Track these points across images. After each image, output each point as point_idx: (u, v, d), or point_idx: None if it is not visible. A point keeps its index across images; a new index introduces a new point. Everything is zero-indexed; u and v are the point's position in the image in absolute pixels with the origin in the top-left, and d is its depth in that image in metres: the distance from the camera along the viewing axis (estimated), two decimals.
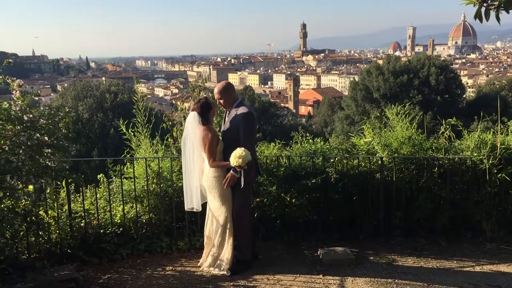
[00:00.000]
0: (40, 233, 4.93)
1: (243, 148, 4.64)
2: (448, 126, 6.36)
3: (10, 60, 4.16)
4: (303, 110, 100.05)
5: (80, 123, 38.16)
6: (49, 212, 5.16)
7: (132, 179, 5.63)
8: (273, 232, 5.78)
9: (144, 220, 5.58)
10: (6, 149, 3.62)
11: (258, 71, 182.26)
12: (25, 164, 3.73)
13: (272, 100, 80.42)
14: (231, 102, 4.97)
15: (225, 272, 4.91)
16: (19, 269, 3.70)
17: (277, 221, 5.77)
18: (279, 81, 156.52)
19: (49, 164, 4.07)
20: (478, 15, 2.94)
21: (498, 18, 2.88)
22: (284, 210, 5.76)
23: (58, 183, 4.85)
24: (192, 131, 4.84)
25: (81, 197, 5.62)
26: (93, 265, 5.13)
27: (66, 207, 5.27)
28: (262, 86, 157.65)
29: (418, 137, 6.20)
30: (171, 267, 5.11)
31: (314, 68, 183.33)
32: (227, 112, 5.06)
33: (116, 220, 5.52)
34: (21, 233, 4.83)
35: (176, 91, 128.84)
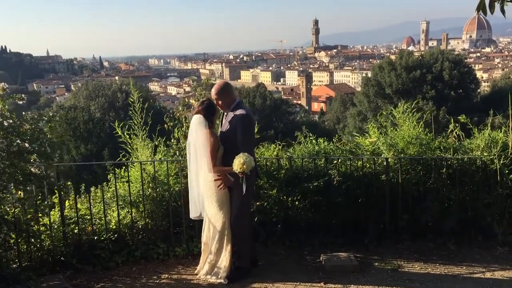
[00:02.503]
0: (32, 240, 4.78)
1: (246, 154, 4.43)
2: (457, 124, 6.10)
3: None
4: (316, 106, 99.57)
5: (91, 123, 38.30)
6: (41, 219, 5.02)
7: (131, 183, 5.48)
8: (274, 236, 5.58)
9: (140, 226, 5.41)
10: None
11: (271, 68, 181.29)
12: (5, 172, 3.58)
13: (285, 97, 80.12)
14: (229, 104, 4.76)
15: (222, 280, 4.72)
16: (4, 281, 3.55)
17: (278, 225, 5.56)
18: (292, 78, 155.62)
19: (33, 171, 3.91)
20: (481, 7, 2.71)
21: (503, 11, 2.64)
22: (286, 214, 5.55)
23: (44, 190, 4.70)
24: (196, 135, 4.63)
25: (86, 202, 5.49)
26: (87, 273, 4.97)
27: (59, 213, 5.12)
28: (275, 83, 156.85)
29: (425, 136, 5.95)
30: (167, 275, 4.94)
31: (326, 64, 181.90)
32: (225, 114, 4.87)
33: (111, 226, 5.36)
34: (12, 241, 4.69)
35: (188, 89, 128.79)
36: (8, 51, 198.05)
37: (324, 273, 4.92)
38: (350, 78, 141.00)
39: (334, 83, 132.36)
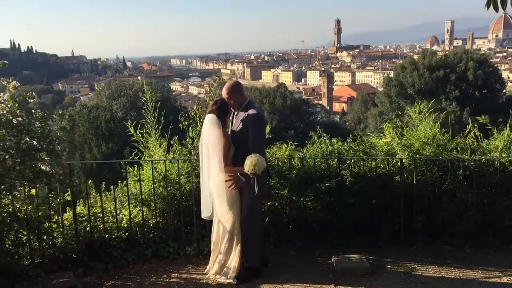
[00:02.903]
0: (44, 237, 4.82)
1: (258, 155, 4.40)
2: (475, 125, 5.96)
3: (5, 62, 4.05)
4: (337, 107, 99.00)
5: (113, 122, 38.73)
6: (54, 217, 5.08)
7: (142, 182, 5.50)
8: (285, 237, 5.52)
9: (151, 225, 5.42)
10: None
11: (292, 68, 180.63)
12: (14, 169, 3.61)
13: (306, 97, 79.90)
14: (240, 103, 4.72)
15: (231, 281, 4.69)
16: (12, 277, 3.58)
17: (290, 225, 5.50)
18: (313, 78, 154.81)
19: (43, 168, 3.94)
20: (492, 2, 2.60)
21: None
22: (297, 214, 5.48)
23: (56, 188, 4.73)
24: (208, 135, 4.61)
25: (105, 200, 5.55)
26: (98, 271, 4.99)
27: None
28: (296, 83, 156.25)
29: (442, 137, 5.82)
30: (176, 274, 4.93)
31: (348, 64, 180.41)
32: (235, 113, 4.84)
33: (122, 224, 5.38)
34: (24, 238, 4.75)
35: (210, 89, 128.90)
36: (34, 51, 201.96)
37: (335, 275, 4.84)
38: (372, 78, 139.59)
39: (356, 83, 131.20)
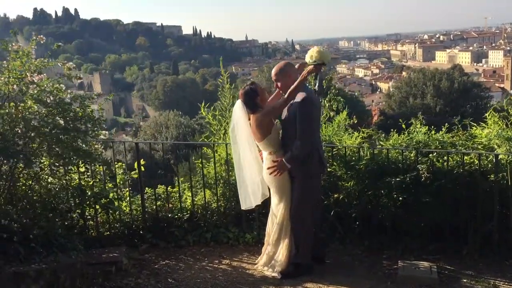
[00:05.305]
0: (110, 212, 5.12)
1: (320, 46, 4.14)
2: None
3: (60, 44, 4.37)
4: None
5: None
6: (125, 194, 5.36)
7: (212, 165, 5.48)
8: (352, 234, 5.02)
9: (214, 208, 5.38)
10: (19, 131, 3.76)
11: (471, 48, 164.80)
12: (49, 147, 3.83)
13: (485, 80, 73.00)
14: (289, 86, 4.37)
15: (276, 274, 4.44)
16: (48, 248, 3.84)
17: (357, 221, 4.98)
18: (496, 59, 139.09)
19: (82, 146, 4.11)
20: None
21: None
22: (366, 210, 4.93)
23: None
24: (242, 124, 4.38)
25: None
26: (159, 249, 5.15)
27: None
28: (475, 64, 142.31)
29: None
30: (228, 261, 4.84)
31: None
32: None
33: (186, 206, 5.44)
34: (91, 211, 5.10)
35: (376, 71, 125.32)
36: (212, 36, 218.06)
37: (393, 283, 4.26)
38: None
39: None
